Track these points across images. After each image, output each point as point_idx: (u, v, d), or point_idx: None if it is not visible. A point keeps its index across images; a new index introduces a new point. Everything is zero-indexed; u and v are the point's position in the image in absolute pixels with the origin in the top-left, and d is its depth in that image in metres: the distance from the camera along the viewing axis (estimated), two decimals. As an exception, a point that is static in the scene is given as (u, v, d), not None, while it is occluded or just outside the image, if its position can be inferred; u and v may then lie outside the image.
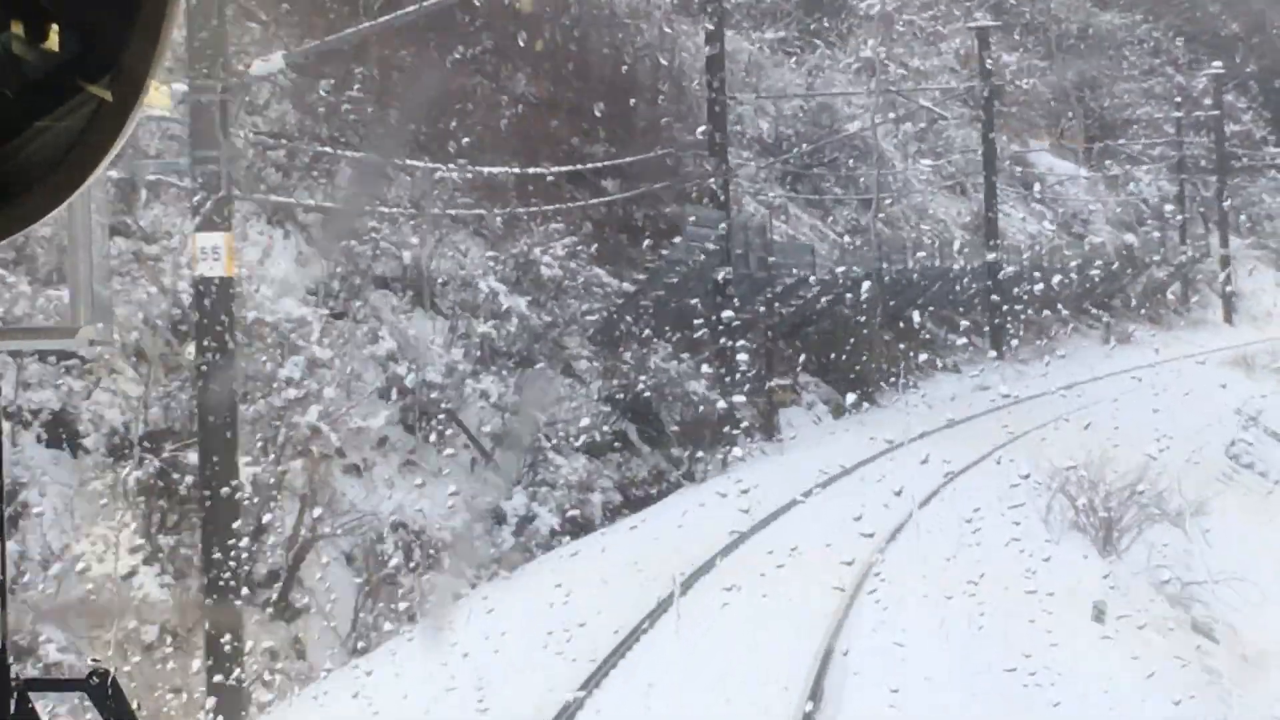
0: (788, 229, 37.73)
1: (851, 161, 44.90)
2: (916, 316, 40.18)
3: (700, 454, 27.60)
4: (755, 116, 43.32)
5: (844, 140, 44.29)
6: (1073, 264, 47.74)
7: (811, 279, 35.21)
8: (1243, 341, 47.89)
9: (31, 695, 1.66)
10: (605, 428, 26.59)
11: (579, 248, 27.78)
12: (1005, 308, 43.46)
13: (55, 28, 1.32)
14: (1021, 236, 50.95)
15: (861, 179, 44.20)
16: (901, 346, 39.55)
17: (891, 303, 38.11)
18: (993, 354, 40.41)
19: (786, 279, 34.76)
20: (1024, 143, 57.47)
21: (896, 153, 48.19)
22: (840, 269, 35.84)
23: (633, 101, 34.08)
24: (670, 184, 29.56)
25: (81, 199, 1.73)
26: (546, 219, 27.20)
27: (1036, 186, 54.43)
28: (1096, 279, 49.32)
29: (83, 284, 1.98)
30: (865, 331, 36.71)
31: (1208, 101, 57.57)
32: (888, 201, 45.51)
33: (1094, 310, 50.62)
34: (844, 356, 35.54)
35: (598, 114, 31.72)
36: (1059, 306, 48.50)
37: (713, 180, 29.15)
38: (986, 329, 43.86)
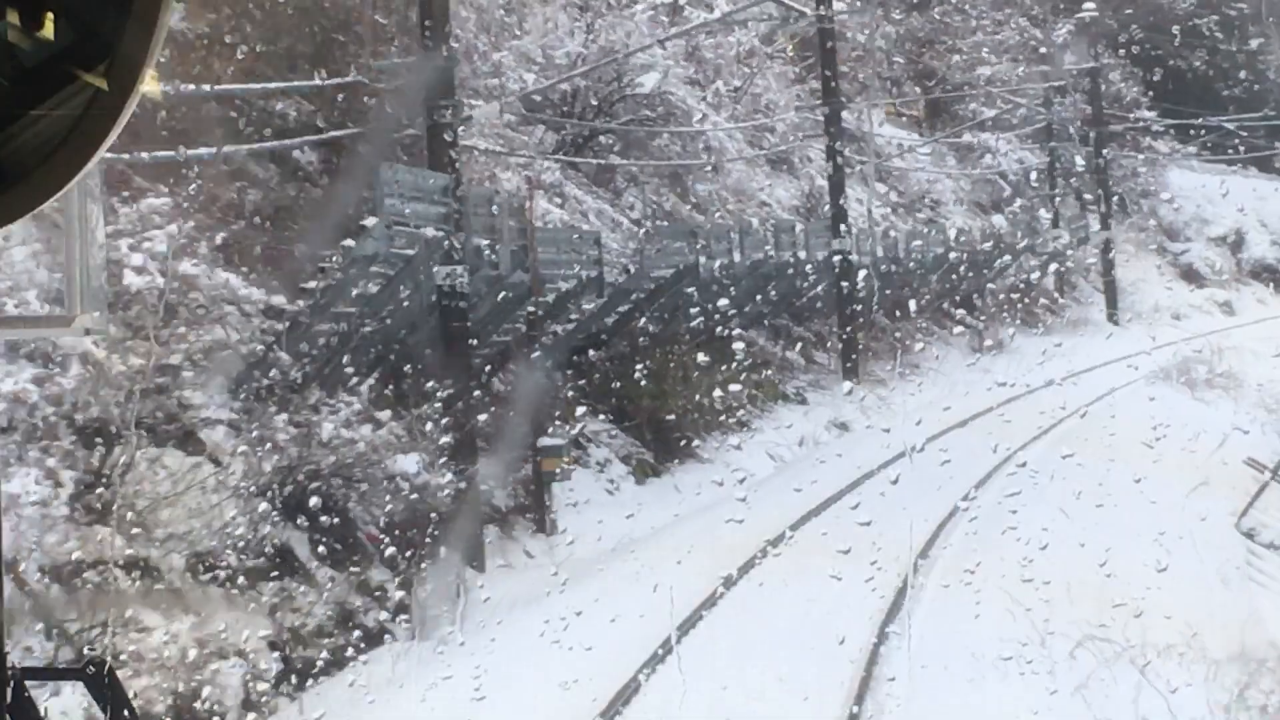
0: (563, 214, 27.57)
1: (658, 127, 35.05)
2: (740, 327, 30.39)
3: (423, 569, 17.42)
4: (517, 67, 33.08)
5: (642, 100, 34.37)
6: (930, 255, 38.64)
7: (598, 281, 25.11)
8: (1138, 347, 39.36)
9: (28, 684, 1.74)
10: (254, 540, 16.23)
11: (206, 239, 17.23)
12: (857, 312, 34.02)
13: (51, 17, 1.36)
14: (863, 223, 41.56)
15: (672, 150, 34.41)
16: (726, 370, 29.63)
17: (714, 311, 28.19)
18: (847, 385, 30.87)
19: (563, 283, 24.62)
20: (856, 111, 48.30)
21: (708, 122, 38.42)
22: (642, 267, 25.82)
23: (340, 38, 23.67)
24: (361, 131, 19.26)
25: (78, 186, 1.69)
26: (137, 194, 16.66)
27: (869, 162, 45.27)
28: (960, 273, 40.32)
29: (78, 272, 1.84)
30: (678, 355, 26.77)
31: (1071, 57, 49.21)
32: (694, 182, 35.87)
33: (956, 311, 41.59)
34: (648, 393, 25.55)
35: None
36: (917, 308, 39.37)
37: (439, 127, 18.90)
38: (834, 341, 34.30)
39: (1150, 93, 53.29)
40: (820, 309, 34.61)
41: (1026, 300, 44.02)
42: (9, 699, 1.69)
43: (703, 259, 26.67)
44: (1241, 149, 56.23)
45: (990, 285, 43.48)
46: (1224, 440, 21.87)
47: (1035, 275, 45.28)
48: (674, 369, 26.72)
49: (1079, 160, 47.91)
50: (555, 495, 22.07)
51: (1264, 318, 45.05)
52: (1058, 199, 46.29)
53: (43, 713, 1.80)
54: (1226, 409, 27.57)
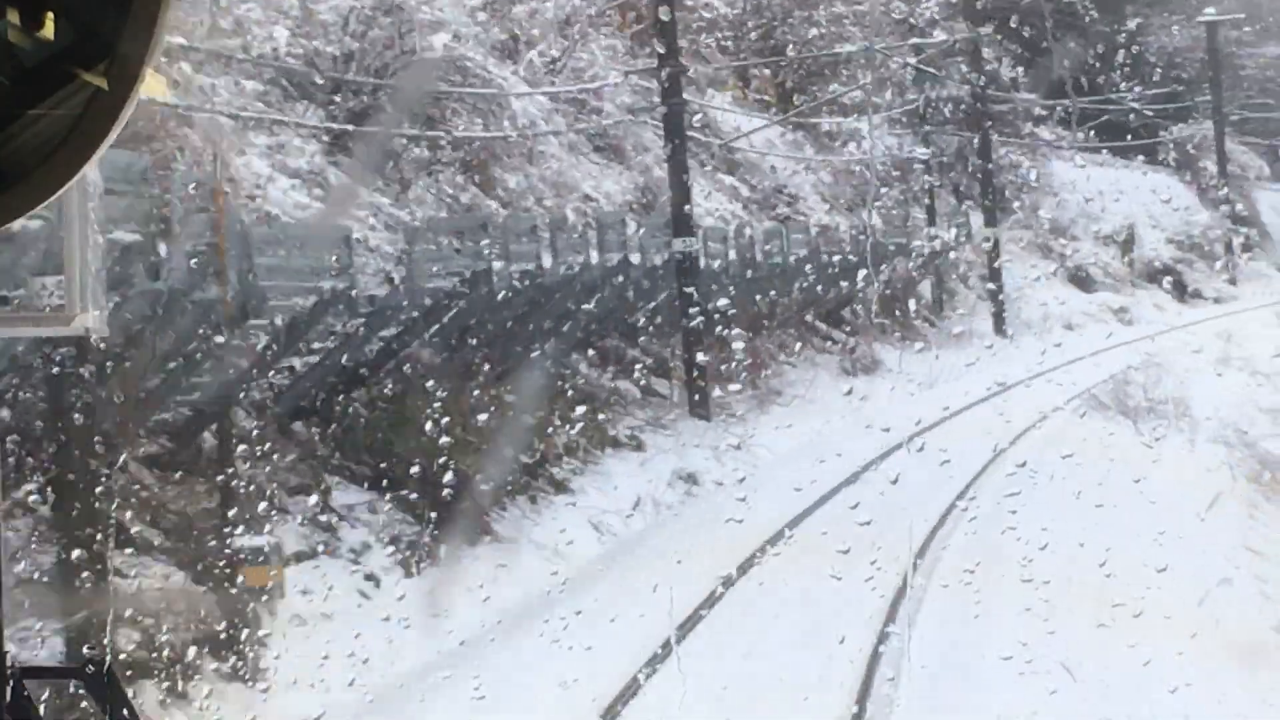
0: (297, 200, 20.86)
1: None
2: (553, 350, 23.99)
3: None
4: (267, 23, 26.34)
5: (429, 67, 27.79)
6: (791, 258, 32.51)
7: (352, 295, 18.50)
8: (1036, 364, 33.77)
9: (28, 683, 1.76)
10: None
11: None
12: (706, 329, 27.79)
13: (51, 16, 1.36)
14: (709, 220, 35.24)
15: (460, 127, 27.97)
16: (541, 413, 23.17)
17: (518, 332, 21.68)
18: (700, 421, 24.72)
19: (300, 298, 17.98)
20: (701, 92, 42.01)
21: (519, 95, 31.83)
22: (410, 276, 19.22)
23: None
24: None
25: (78, 186, 1.67)
26: None
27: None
28: (827, 279, 34.32)
29: (78, 271, 1.90)
30: (469, 393, 20.26)
31: (938, 35, 43.61)
32: (502, 172, 29.51)
33: (822, 324, 35.52)
34: (426, 448, 19.02)
35: None
36: (778, 321, 33.34)
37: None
38: (678, 367, 27.98)
39: (1027, 76, 48.02)
40: (660, 326, 28.18)
41: (903, 310, 38.17)
42: (8, 698, 1.71)
43: (497, 264, 20.03)
44: (1129, 137, 51.30)
45: (861, 293, 37.53)
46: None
47: (913, 279, 39.47)
48: (463, 413, 20.07)
49: (956, 148, 42.37)
50: (278, 609, 15.34)
51: (1170, 326, 39.81)
52: (934, 192, 40.57)
53: (41, 712, 1.80)
54: (1183, 454, 21.71)
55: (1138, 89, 51.05)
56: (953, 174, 41.94)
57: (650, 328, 28.15)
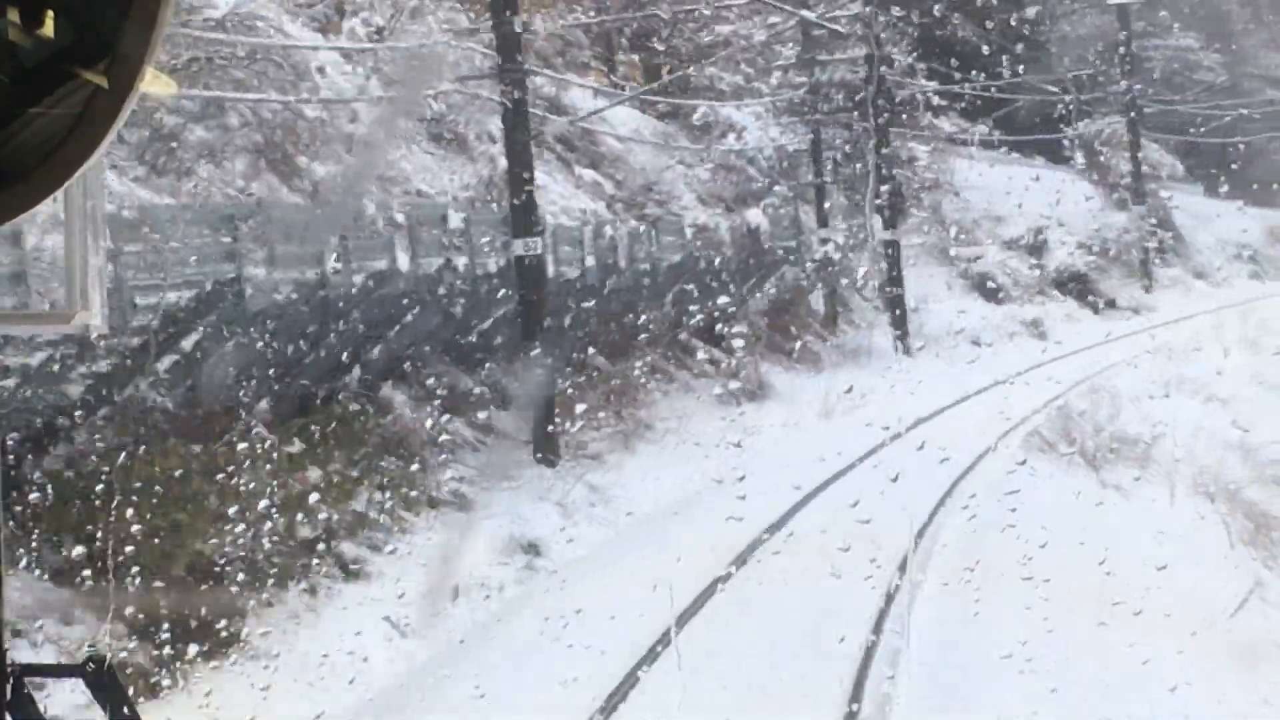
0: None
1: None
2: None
3: None
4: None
5: (213, 28, 22.76)
6: (662, 264, 27.61)
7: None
8: (948, 388, 29.46)
9: (28, 681, 1.77)
10: None
11: None
12: (558, 350, 22.88)
13: (51, 14, 1.37)
14: (566, 220, 30.24)
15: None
16: (335, 469, 18.05)
17: (291, 360, 16.47)
18: (548, 468, 19.86)
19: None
20: (560, 79, 36.94)
21: (329, 71, 26.69)
22: (119, 289, 13.89)
23: None
24: None
25: (78, 183, 1.77)
26: None
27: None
28: (704, 288, 29.49)
29: (79, 269, 1.90)
30: (213, 448, 15.06)
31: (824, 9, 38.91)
32: (311, 160, 24.47)
33: (700, 343, 30.59)
34: (150, 528, 13.72)
35: None
36: (648, 339, 28.46)
37: None
38: (523, 396, 22.93)
39: (924, 62, 43.56)
40: (501, 346, 23.06)
41: (794, 325, 33.41)
42: (9, 696, 1.72)
43: (258, 271, 14.78)
44: (1035, 131, 47.19)
45: (745, 305, 32.72)
46: None
47: (801, 289, 34.73)
48: (214, 472, 14.86)
49: (850, 140, 37.70)
50: None
51: (1092, 342, 35.50)
52: (825, 190, 35.84)
53: (43, 710, 1.80)
54: (1163, 514, 17.00)
55: (1046, 82, 46.95)
56: (846, 170, 37.38)
57: (488, 349, 23.00)
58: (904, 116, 41.04)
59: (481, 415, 22.24)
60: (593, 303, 25.01)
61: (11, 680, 1.76)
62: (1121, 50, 46.79)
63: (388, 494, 18.09)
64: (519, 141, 21.38)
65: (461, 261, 19.46)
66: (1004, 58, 46.81)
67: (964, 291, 40.53)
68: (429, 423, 20.55)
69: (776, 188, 34.86)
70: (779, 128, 37.36)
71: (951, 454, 20.41)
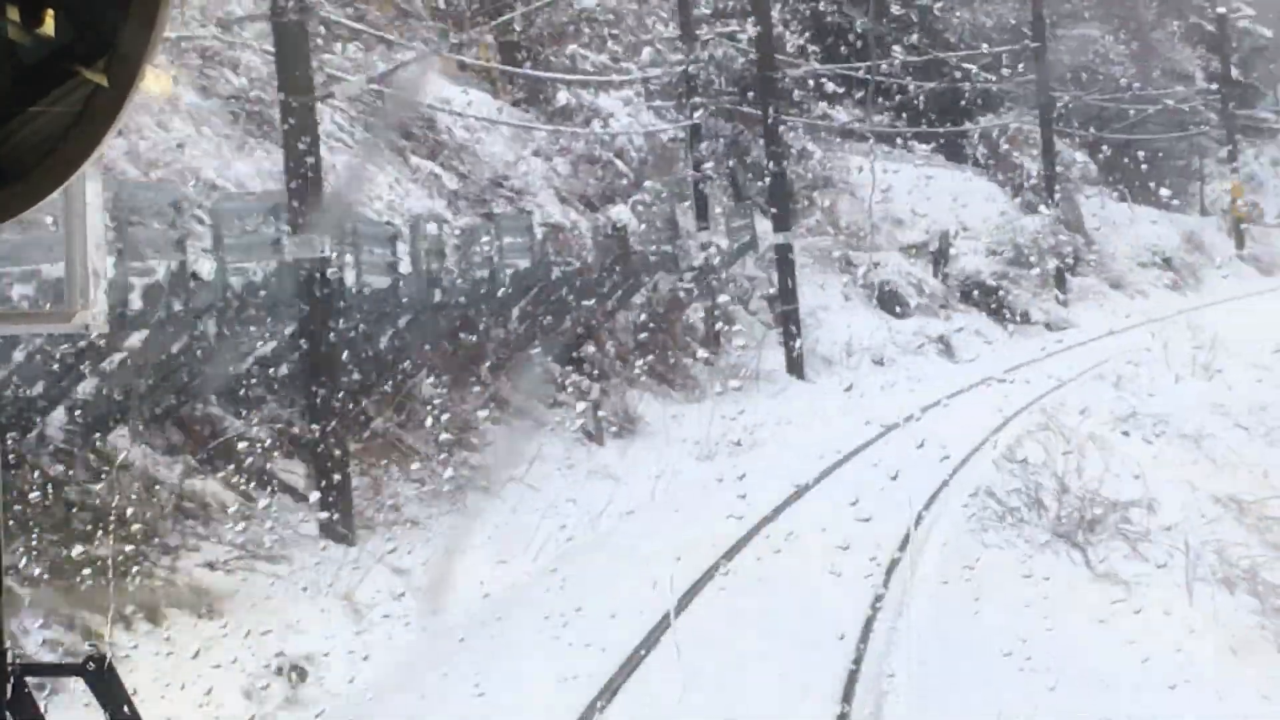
0: None
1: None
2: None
3: None
4: None
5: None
6: (505, 273, 22.50)
7: None
8: (864, 421, 24.88)
9: (28, 679, 1.77)
10: None
11: None
12: (358, 387, 17.88)
13: (51, 13, 1.38)
14: (397, 218, 25.01)
15: None
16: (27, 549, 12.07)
17: None
18: (339, 544, 14.76)
19: None
20: (388, 58, 31.58)
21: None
22: None
23: None
24: None
25: (78, 182, 1.74)
26: None
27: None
28: (563, 300, 24.56)
29: (79, 268, 1.92)
30: None
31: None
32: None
33: (557, 367, 25.56)
34: None
35: None
36: (489, 366, 23.48)
37: None
38: (306, 454, 17.67)
39: (816, 44, 38.90)
40: (283, 382, 17.78)
41: (669, 344, 28.44)
42: (8, 695, 1.71)
43: None
44: (938, 125, 42.86)
45: (611, 320, 27.73)
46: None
47: (677, 301, 29.76)
48: None
49: (734, 132, 32.86)
50: None
51: (1016, 363, 31.02)
52: (706, 187, 30.89)
53: (43, 709, 1.80)
54: (1180, 622, 12.22)
55: (950, 71, 42.59)
56: (730, 164, 32.45)
57: (267, 385, 17.69)
58: (796, 105, 36.28)
59: (259, 470, 16.96)
60: (405, 321, 19.80)
61: (12, 679, 1.73)
62: (1030, 37, 42.47)
63: (121, 586, 12.80)
64: (296, 110, 16.09)
65: (205, 266, 14.22)
66: (902, 46, 42.41)
67: (863, 303, 35.86)
68: (170, 484, 15.23)
69: (648, 183, 29.85)
70: (652, 113, 32.39)
71: (879, 530, 15.45)
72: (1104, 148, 49.39)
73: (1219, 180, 60.33)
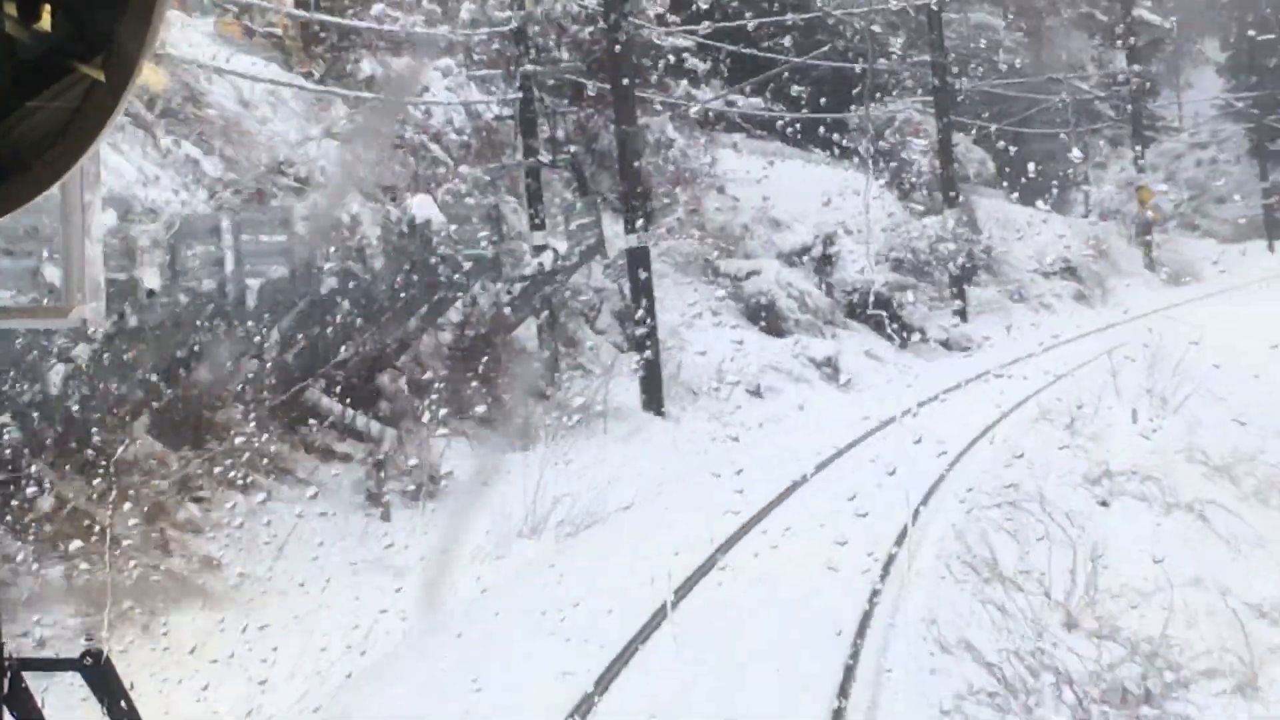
0: None
1: None
2: None
3: None
4: None
5: None
6: (252, 281, 16.37)
7: None
8: (740, 487, 18.98)
9: (25, 674, 1.80)
10: None
11: None
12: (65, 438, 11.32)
13: (48, 8, 1.38)
14: (138, 210, 18.65)
15: None
16: None
17: None
18: None
19: None
20: (167, 25, 24.92)
21: None
22: None
23: None
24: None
25: (75, 177, 1.80)
26: None
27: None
28: (345, 323, 18.47)
29: (76, 263, 1.92)
30: None
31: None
32: None
33: (331, 407, 19.42)
34: None
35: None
36: (242, 412, 17.19)
37: None
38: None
39: (678, 13, 33.08)
40: None
41: (491, 375, 22.38)
42: (6, 690, 1.72)
43: None
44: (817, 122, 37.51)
45: (411, 348, 21.70)
46: None
47: (505, 321, 23.72)
48: None
49: (582, 111, 26.93)
50: None
51: (928, 395, 25.49)
52: (542, 178, 24.89)
53: (40, 704, 1.78)
54: None
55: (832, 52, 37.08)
56: (573, 150, 26.50)
57: None
58: (655, 84, 30.43)
59: None
60: (86, 355, 13.59)
61: (9, 674, 1.74)
62: (926, 22, 37.15)
63: None
64: None
65: None
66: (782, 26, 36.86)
67: (735, 319, 30.10)
68: None
69: (464, 169, 23.80)
70: (475, 86, 26.29)
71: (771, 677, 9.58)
72: (1001, 143, 44.28)
73: (1099, 183, 55.74)
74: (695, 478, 19.42)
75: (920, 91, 40.76)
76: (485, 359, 21.78)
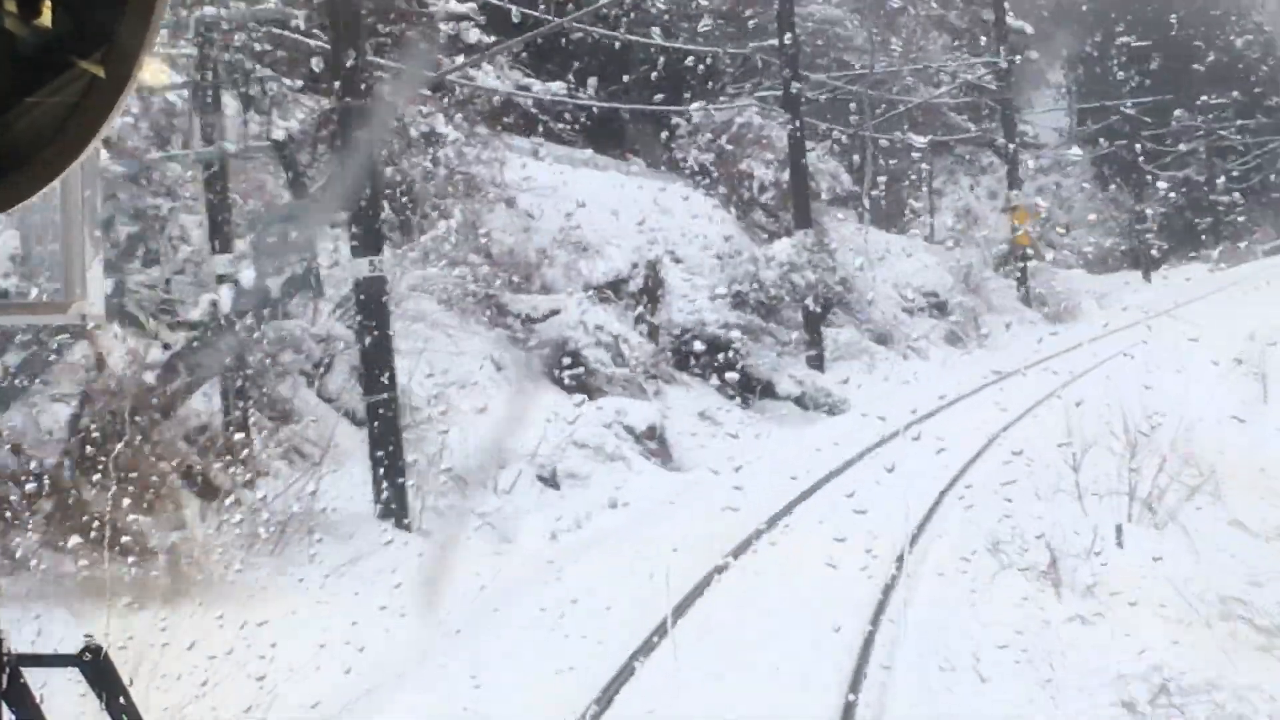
0: None
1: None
2: None
3: None
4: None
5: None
6: None
7: None
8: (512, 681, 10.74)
9: (24, 670, 1.80)
10: None
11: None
12: None
13: (48, 3, 1.38)
14: None
15: None
16: None
17: None
18: None
19: None
20: None
21: None
22: None
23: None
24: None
25: (75, 172, 1.76)
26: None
27: None
28: None
29: (75, 259, 1.93)
30: None
31: None
32: None
33: None
34: None
35: None
36: None
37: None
38: None
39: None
40: None
41: (135, 474, 14.29)
42: (5, 686, 1.72)
43: None
44: (636, 125, 30.35)
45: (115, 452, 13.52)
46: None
47: (174, 390, 15.72)
48: None
49: (287, 86, 19.02)
50: None
51: (789, 476, 18.19)
52: (227, 178, 16.89)
53: (39, 700, 1.78)
54: None
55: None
56: (281, 137, 18.46)
57: None
58: (412, 51, 22.56)
59: None
60: None
61: (8, 670, 1.73)
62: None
63: None
64: None
65: None
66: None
67: (528, 375, 22.37)
68: None
69: (112, 162, 15.80)
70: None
71: None
72: (856, 157, 37.31)
73: (950, 209, 49.36)
74: (425, 675, 11.67)
75: (764, 85, 33.64)
76: (110, 445, 13.76)
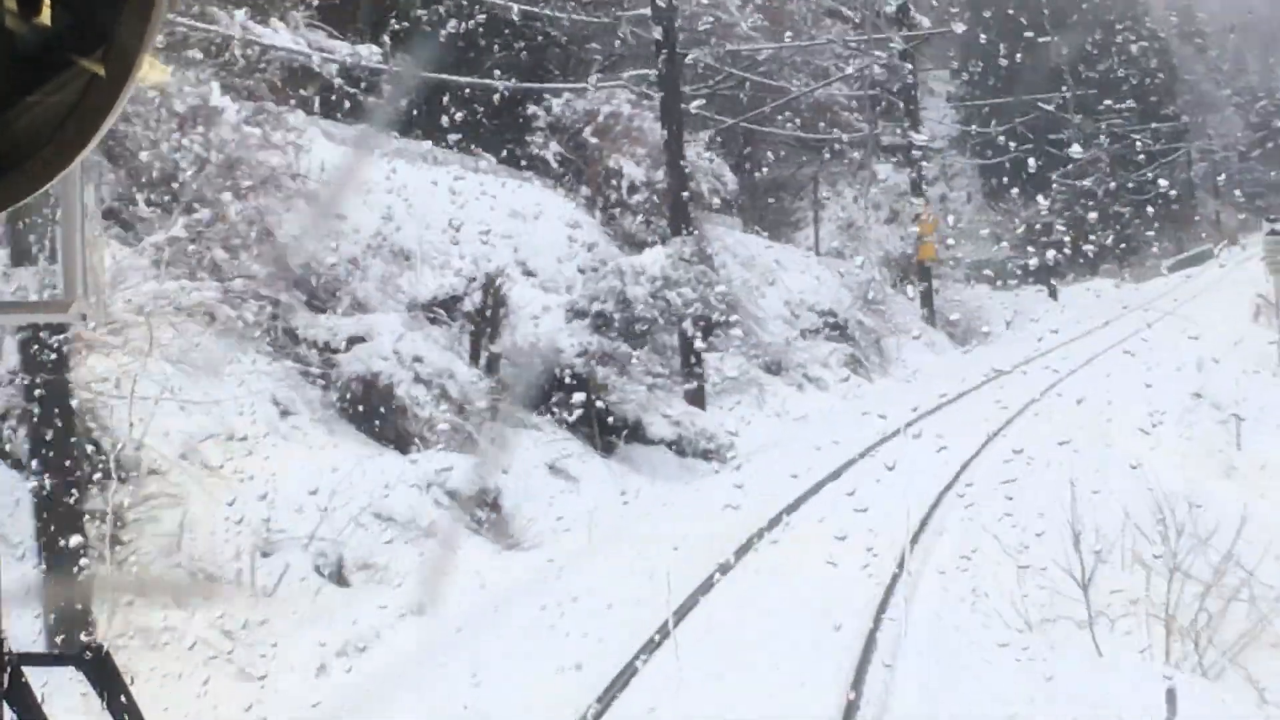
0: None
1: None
2: None
3: None
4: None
5: None
6: None
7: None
8: None
9: (25, 669, 1.75)
10: None
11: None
12: None
13: (48, 2, 1.35)
14: None
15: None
16: None
17: None
18: None
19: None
20: None
21: None
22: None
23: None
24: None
25: (75, 171, 1.69)
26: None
27: None
28: None
29: (75, 258, 1.86)
30: None
31: None
32: None
33: None
34: None
35: None
36: None
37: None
38: None
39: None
40: None
41: None
42: (6, 685, 1.71)
43: None
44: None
45: None
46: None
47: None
48: None
49: None
50: None
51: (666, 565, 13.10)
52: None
53: (40, 699, 1.78)
54: None
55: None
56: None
57: None
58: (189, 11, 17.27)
59: None
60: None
61: (9, 669, 1.72)
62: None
63: None
64: None
65: None
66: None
67: (317, 422, 17.10)
68: None
69: None
70: None
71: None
72: (746, 154, 32.43)
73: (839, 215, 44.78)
74: None
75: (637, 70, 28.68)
76: None
